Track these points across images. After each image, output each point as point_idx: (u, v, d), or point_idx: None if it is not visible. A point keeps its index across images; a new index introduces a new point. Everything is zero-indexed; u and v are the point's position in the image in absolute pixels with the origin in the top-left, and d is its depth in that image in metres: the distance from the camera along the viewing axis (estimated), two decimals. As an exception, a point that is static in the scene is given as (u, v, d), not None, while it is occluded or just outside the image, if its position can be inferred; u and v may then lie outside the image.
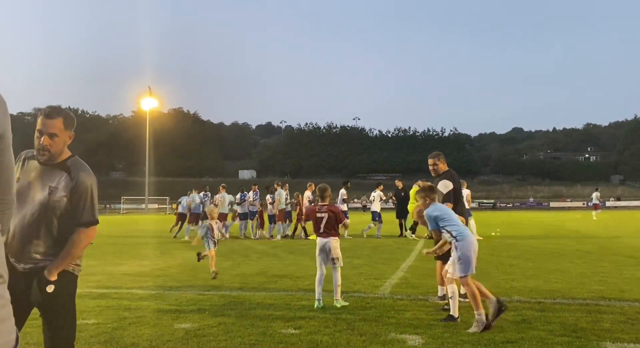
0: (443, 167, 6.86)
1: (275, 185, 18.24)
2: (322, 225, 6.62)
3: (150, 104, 60.65)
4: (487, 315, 5.13)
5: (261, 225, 18.42)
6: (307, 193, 17.74)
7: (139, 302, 6.72)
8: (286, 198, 18.12)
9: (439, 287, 6.60)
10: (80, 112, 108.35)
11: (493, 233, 12.27)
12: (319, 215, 6.69)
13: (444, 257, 6.46)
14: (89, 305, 6.50)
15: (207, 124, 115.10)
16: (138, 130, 75.77)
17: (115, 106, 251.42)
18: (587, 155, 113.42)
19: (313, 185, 17.28)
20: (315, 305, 6.22)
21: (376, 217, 17.78)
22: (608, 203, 65.00)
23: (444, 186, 6.53)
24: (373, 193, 18.77)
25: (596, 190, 34.03)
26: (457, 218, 5.69)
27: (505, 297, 6.72)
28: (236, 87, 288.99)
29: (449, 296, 5.68)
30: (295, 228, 18.68)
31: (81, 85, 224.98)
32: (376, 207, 18.19)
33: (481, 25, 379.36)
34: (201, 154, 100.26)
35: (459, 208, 6.52)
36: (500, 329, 5.09)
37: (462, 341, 4.70)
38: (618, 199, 68.96)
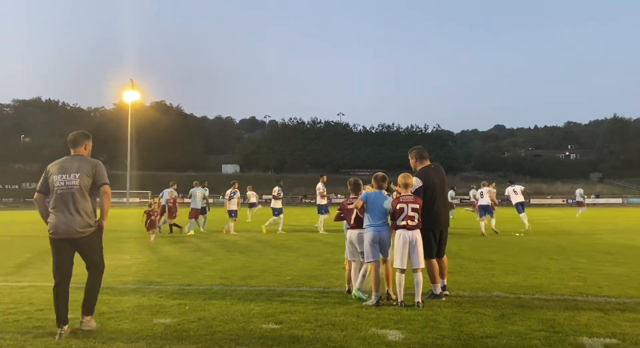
0: (413, 162, 6.95)
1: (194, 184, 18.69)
2: (352, 217, 6.69)
3: (132, 97, 59.95)
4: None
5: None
6: (319, 185, 17.82)
7: (118, 297, 6.64)
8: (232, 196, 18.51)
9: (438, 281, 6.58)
10: (60, 104, 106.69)
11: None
12: (350, 207, 6.78)
13: (430, 253, 6.51)
14: (67, 300, 6.41)
15: (190, 117, 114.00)
16: (120, 123, 74.85)
17: (97, 99, 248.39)
18: (567, 153, 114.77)
19: (325, 176, 18.64)
20: (358, 297, 6.30)
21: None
22: (587, 201, 65.95)
23: (414, 183, 6.57)
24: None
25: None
26: (379, 211, 6.27)
27: (485, 293, 6.81)
28: (220, 81, 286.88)
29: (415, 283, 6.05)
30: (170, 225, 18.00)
31: (62, 77, 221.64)
32: None
33: (465, 24, 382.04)
34: (184, 147, 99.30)
35: (436, 205, 6.55)
36: (480, 324, 5.14)
37: (442, 336, 4.73)
38: (597, 196, 69.91)
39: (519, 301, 6.25)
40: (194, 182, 18.87)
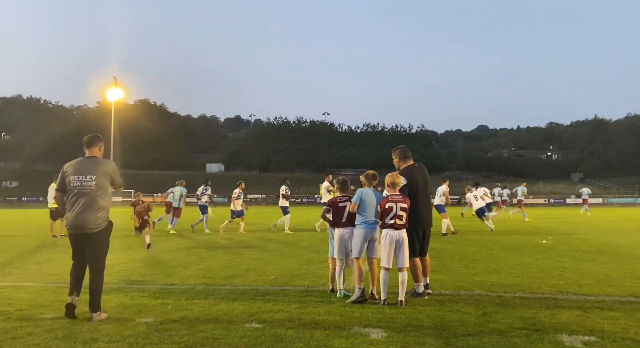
0: (397, 161, 6.98)
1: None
2: (344, 215, 6.70)
3: (115, 95, 59.34)
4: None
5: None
6: (326, 184, 17.79)
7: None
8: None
9: (421, 280, 6.62)
10: (42, 102, 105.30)
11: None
12: (341, 205, 6.78)
13: (414, 252, 6.55)
14: (48, 299, 6.35)
15: (174, 116, 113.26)
16: (103, 121, 74.02)
17: (80, 97, 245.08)
18: (549, 153, 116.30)
19: (331, 176, 18.13)
20: (338, 295, 6.46)
21: None
22: (568, 200, 66.96)
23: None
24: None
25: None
26: (373, 209, 6.40)
27: (467, 291, 6.87)
28: (205, 80, 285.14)
29: (400, 281, 6.07)
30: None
31: (44, 75, 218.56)
32: None
33: (449, 25, 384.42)
34: (168, 146, 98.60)
35: (419, 204, 6.59)
36: (462, 323, 5.18)
37: (424, 334, 4.77)
38: (578, 196, 70.99)
39: (500, 299, 6.32)
40: (180, 181, 18.90)
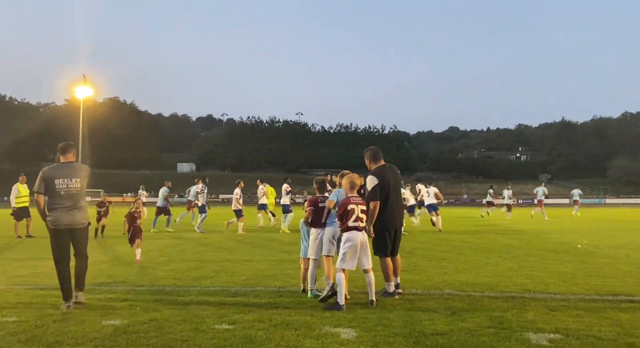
0: (368, 162, 7.00)
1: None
2: (324, 215, 6.69)
3: (84, 93, 58.20)
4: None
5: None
6: (285, 185, 17.79)
7: (66, 298, 6.42)
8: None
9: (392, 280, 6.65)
10: (7, 99, 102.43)
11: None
12: (321, 205, 6.76)
13: (385, 252, 6.59)
14: (11, 302, 6.18)
15: (144, 114, 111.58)
16: (71, 119, 72.43)
17: (48, 94, 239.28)
18: (518, 155, 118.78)
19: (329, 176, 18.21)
20: (309, 295, 6.45)
21: None
22: (536, 201, 68.31)
23: (369, 182, 6.65)
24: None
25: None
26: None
27: (437, 291, 6.94)
28: (176, 78, 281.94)
29: (337, 284, 6.02)
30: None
31: (9, 71, 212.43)
32: None
33: (420, 26, 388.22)
34: (138, 145, 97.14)
35: (391, 204, 6.63)
36: (431, 322, 5.23)
37: (394, 333, 4.79)
38: (546, 197, 72.62)
39: (469, 299, 6.41)
40: (166, 182, 19.28)
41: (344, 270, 5.97)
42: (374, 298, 6.04)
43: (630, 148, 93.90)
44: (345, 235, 6.12)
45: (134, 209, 10.40)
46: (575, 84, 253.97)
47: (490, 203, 30.07)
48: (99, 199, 20.73)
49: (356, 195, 6.31)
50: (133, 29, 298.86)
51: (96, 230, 15.12)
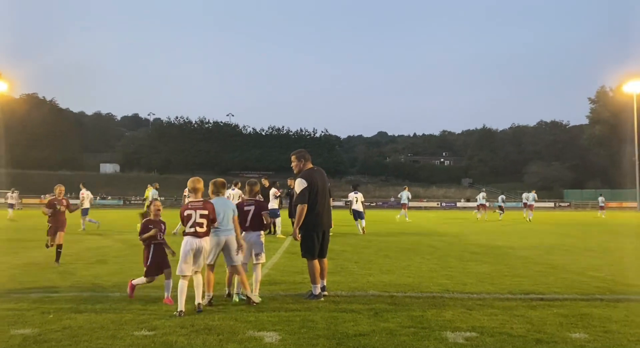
0: (296, 164, 6.98)
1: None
2: (248, 219, 6.59)
3: (-2, 87, 54.63)
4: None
5: None
6: (273, 190, 17.19)
7: (-30, 307, 5.98)
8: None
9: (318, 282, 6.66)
10: None
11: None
12: (246, 208, 6.64)
13: (312, 254, 6.63)
14: None
15: (65, 112, 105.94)
16: (-17, 115, 67.78)
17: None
18: (442, 160, 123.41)
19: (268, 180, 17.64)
20: (234, 300, 6.38)
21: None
22: (459, 204, 71.33)
23: (298, 185, 6.67)
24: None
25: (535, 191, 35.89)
26: (225, 219, 6.33)
27: (361, 292, 7.07)
28: (101, 75, 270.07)
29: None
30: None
31: None
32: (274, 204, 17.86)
33: (354, 29, 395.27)
34: (58, 144, 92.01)
35: (319, 207, 6.68)
36: (354, 323, 5.32)
37: (318, 335, 4.83)
38: (468, 200, 75.80)
39: (392, 299, 6.57)
40: (154, 184, 19.20)
41: (183, 276, 5.84)
42: (202, 301, 5.93)
43: (545, 154, 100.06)
44: (184, 239, 5.98)
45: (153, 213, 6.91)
46: (495, 94, 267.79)
47: (482, 207, 31.07)
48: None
49: (199, 200, 6.13)
50: (55, 23, 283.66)
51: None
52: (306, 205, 6.53)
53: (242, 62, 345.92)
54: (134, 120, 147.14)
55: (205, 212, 5.99)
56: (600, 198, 39.19)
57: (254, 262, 6.64)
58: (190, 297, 5.92)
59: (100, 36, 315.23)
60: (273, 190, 18.01)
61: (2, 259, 10.55)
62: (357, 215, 18.72)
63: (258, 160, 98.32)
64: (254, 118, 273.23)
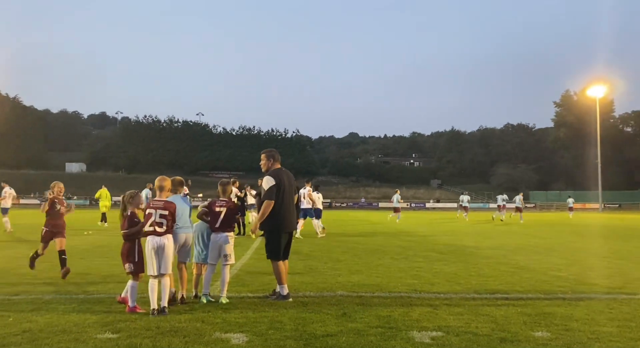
0: (264, 163, 6.94)
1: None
2: (219, 220, 6.52)
3: (-43, 83, 52.79)
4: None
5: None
6: (235, 190, 16.88)
7: None
8: None
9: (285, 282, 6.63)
10: None
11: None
12: (217, 209, 6.57)
13: (277, 255, 6.60)
14: None
15: (29, 109, 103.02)
16: (-60, 112, 65.42)
17: None
18: (412, 161, 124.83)
19: (237, 181, 17.32)
20: (201, 301, 6.32)
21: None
22: (428, 205, 72.31)
23: (266, 182, 6.64)
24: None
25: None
26: (183, 217, 6.42)
27: (330, 292, 7.08)
28: (67, 72, 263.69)
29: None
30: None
31: None
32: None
33: (324, 30, 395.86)
34: (20, 143, 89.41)
35: (285, 207, 6.66)
36: (322, 323, 5.32)
37: (285, 337, 4.81)
38: (437, 201, 76.87)
39: (360, 299, 6.60)
40: (147, 184, 18.77)
41: (153, 276, 5.83)
42: (166, 304, 5.80)
43: (511, 156, 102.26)
44: (146, 239, 5.96)
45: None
46: (464, 97, 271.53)
47: (502, 207, 31.74)
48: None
49: (161, 199, 6.11)
50: (17, 17, 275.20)
51: None
52: (273, 201, 6.51)
53: (213, 61, 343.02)
54: (102, 119, 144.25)
55: (166, 212, 5.95)
56: (570, 200, 40.19)
57: (223, 263, 6.58)
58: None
59: (66, 32, 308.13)
60: (235, 190, 17.91)
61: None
62: (317, 214, 18.66)
63: (228, 160, 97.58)
64: (225, 118, 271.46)
